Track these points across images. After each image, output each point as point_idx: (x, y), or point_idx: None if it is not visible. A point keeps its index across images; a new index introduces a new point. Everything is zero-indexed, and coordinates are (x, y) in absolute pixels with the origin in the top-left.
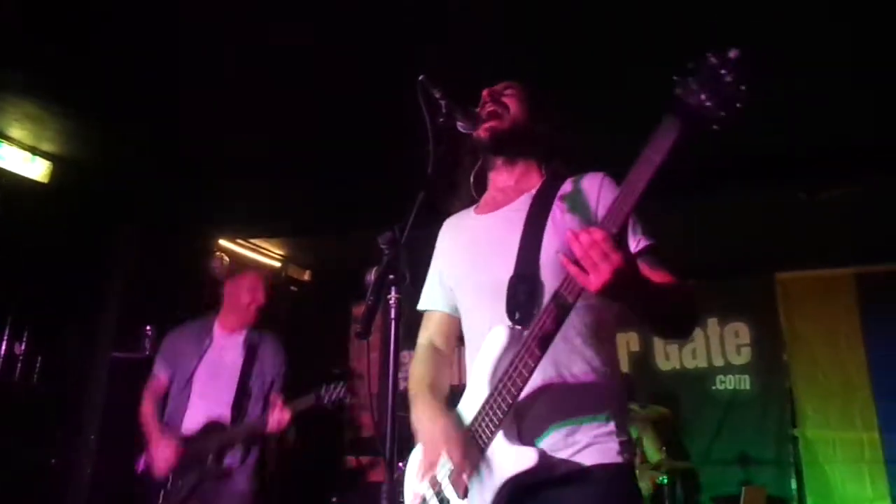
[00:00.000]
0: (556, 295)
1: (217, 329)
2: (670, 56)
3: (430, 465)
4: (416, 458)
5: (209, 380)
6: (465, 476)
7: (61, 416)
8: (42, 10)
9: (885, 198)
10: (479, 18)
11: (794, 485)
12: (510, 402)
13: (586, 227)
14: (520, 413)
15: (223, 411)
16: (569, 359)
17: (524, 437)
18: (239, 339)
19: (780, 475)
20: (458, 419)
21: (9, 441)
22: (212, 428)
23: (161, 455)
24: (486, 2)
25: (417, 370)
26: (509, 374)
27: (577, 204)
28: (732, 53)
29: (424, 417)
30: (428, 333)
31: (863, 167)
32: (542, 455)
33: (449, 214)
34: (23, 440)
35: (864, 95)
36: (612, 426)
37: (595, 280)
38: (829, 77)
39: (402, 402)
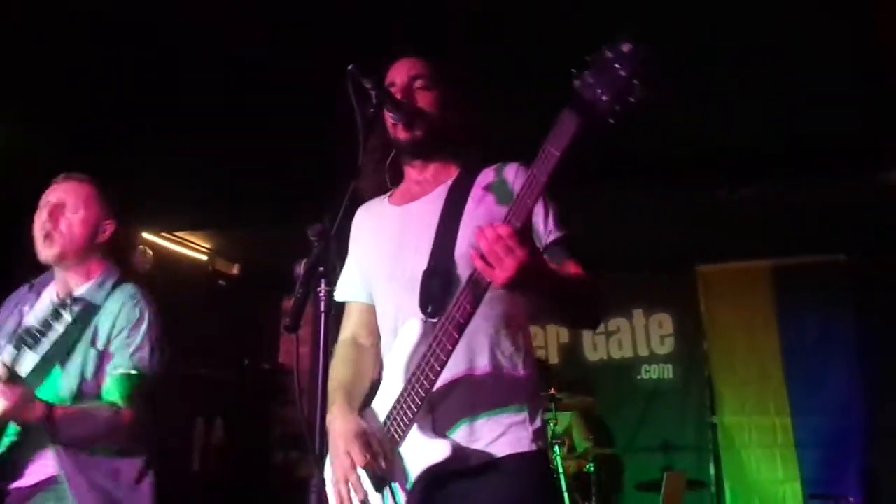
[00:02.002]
0: (468, 285)
1: (54, 282)
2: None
3: (343, 470)
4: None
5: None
6: (374, 468)
7: None
8: None
9: (799, 195)
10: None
11: (712, 469)
12: (423, 394)
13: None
14: (433, 405)
15: None
16: (481, 349)
17: (437, 429)
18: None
19: (699, 460)
20: (371, 416)
21: None
22: None
23: None
24: None
25: (337, 371)
26: (422, 368)
27: (499, 196)
28: (626, 47)
29: (335, 421)
30: (350, 327)
31: (778, 166)
32: (456, 447)
33: (363, 200)
34: None
35: (780, 98)
36: (524, 415)
37: (500, 274)
38: (749, 79)
39: None
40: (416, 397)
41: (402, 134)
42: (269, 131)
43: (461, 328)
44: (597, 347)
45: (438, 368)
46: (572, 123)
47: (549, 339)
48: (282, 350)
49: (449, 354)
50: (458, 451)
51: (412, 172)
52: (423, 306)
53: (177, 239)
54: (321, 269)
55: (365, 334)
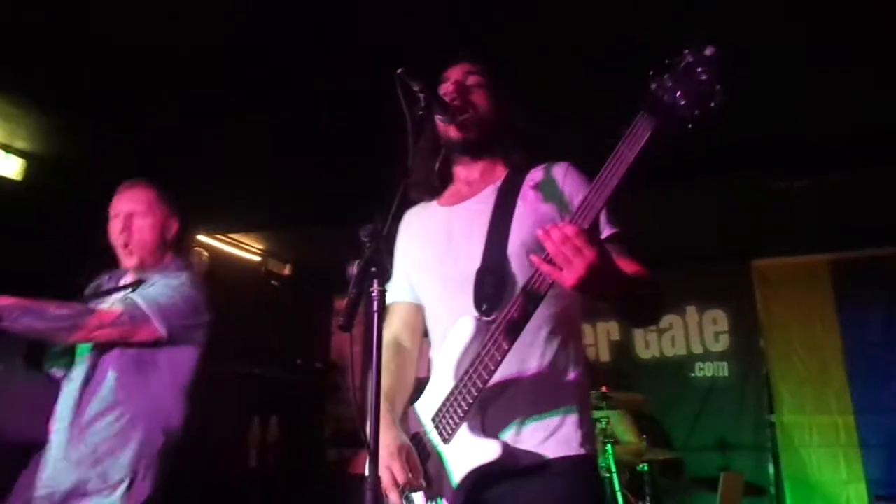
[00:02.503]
0: (526, 287)
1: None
2: (645, 44)
3: (385, 484)
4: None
5: None
6: (414, 485)
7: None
8: (14, 8)
9: (858, 185)
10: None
11: (771, 470)
12: (475, 394)
13: (555, 217)
14: (483, 405)
15: None
16: (533, 350)
17: (487, 429)
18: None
19: (757, 461)
20: (414, 417)
21: None
22: None
23: None
24: None
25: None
26: (475, 367)
27: (545, 193)
28: (709, 51)
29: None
30: (393, 329)
31: (837, 156)
32: (506, 447)
33: (412, 201)
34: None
35: (837, 88)
36: (574, 418)
37: (569, 276)
38: (804, 69)
39: None
40: (467, 396)
41: (453, 132)
42: (320, 133)
43: (512, 337)
44: (649, 345)
45: (493, 367)
46: (648, 127)
47: (600, 337)
48: (334, 349)
49: (499, 362)
50: (509, 452)
51: (461, 172)
52: (478, 304)
53: (231, 240)
54: (374, 269)
55: (408, 335)
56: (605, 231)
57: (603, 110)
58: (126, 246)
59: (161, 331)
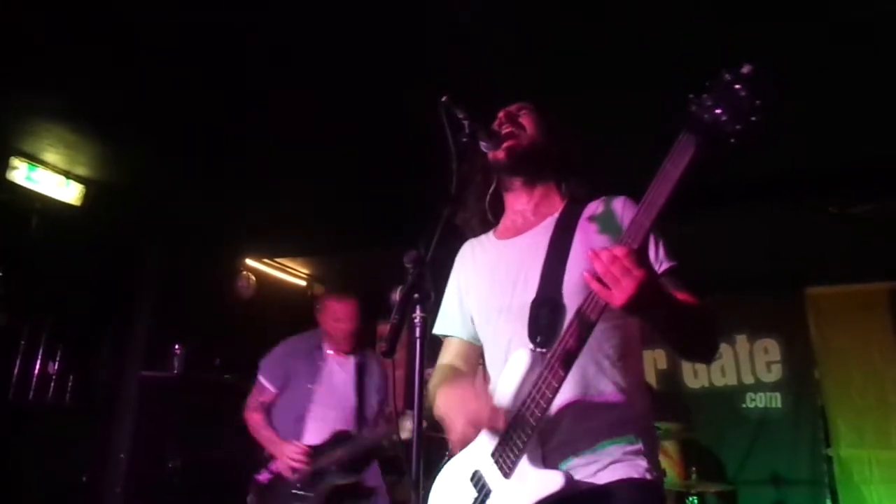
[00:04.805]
0: (579, 313)
1: (328, 351)
2: (687, 76)
3: (464, 440)
4: (442, 480)
5: (328, 397)
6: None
7: (92, 434)
8: (76, 37)
9: None
10: (494, 37)
11: None
12: (534, 424)
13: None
14: (543, 436)
15: (349, 424)
16: (595, 380)
17: (548, 460)
18: (350, 359)
19: (814, 496)
20: (471, 459)
21: (42, 458)
22: (340, 438)
23: (293, 458)
24: (501, 20)
25: (437, 380)
26: (532, 397)
27: (604, 227)
28: (745, 69)
29: (451, 395)
30: (447, 358)
31: (894, 180)
32: (568, 477)
33: (465, 235)
34: (56, 458)
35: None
36: (639, 446)
37: (618, 295)
38: (859, 91)
39: (427, 419)
40: (526, 428)
41: (501, 154)
42: (364, 162)
43: (567, 364)
44: (697, 374)
45: (545, 405)
46: (691, 145)
47: (647, 366)
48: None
49: (555, 391)
50: (570, 482)
51: (514, 202)
52: (532, 336)
53: (278, 265)
54: (416, 295)
55: (462, 364)
56: (663, 265)
57: (656, 141)
58: (348, 339)
59: None
